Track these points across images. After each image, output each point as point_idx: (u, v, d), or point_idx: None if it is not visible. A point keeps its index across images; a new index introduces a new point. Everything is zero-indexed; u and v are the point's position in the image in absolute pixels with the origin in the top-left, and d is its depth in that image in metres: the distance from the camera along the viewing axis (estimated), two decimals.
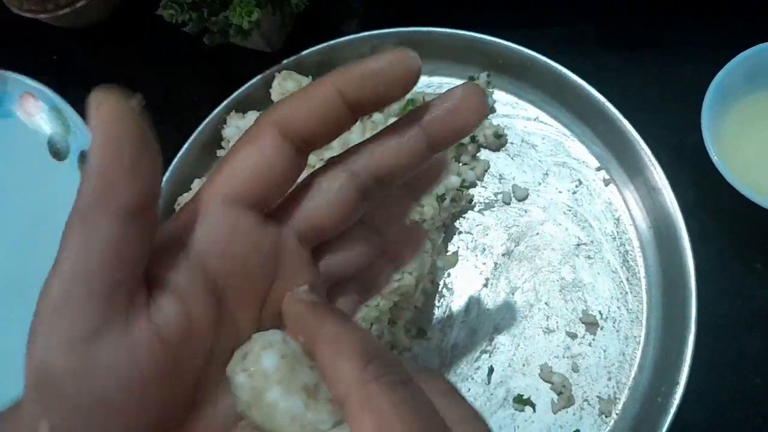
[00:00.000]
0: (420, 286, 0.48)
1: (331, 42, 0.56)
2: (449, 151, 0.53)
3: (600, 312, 0.49)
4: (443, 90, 0.54)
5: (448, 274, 0.52)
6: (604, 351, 0.48)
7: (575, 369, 0.48)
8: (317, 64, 0.56)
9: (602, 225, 0.51)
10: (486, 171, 0.54)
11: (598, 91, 0.51)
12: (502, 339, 0.49)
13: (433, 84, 0.57)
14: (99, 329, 0.20)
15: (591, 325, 0.49)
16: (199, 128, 0.54)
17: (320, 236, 0.26)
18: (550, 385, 0.48)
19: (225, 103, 0.54)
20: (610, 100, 0.51)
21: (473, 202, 0.53)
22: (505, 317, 0.50)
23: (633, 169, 0.51)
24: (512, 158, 0.54)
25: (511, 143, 0.55)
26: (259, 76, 0.55)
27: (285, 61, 0.55)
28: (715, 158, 0.46)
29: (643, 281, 0.49)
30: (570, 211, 0.52)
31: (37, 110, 0.61)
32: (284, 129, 0.23)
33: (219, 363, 0.24)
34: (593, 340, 0.49)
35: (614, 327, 0.49)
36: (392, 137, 0.25)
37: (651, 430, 0.44)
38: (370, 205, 0.26)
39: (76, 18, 0.62)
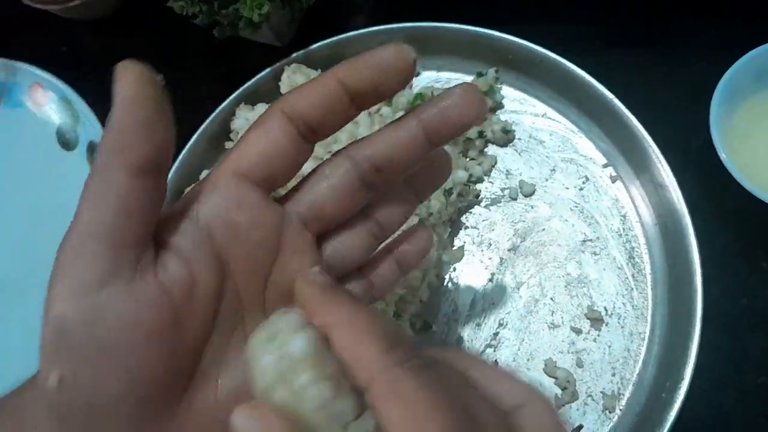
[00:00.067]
0: (425, 280, 0.49)
1: (340, 36, 0.56)
2: (457, 146, 0.53)
3: (605, 308, 0.49)
4: (451, 85, 0.55)
5: (454, 269, 0.52)
6: (609, 347, 0.48)
7: (580, 364, 0.48)
8: (326, 57, 0.56)
9: (608, 221, 0.51)
10: (493, 166, 0.54)
11: (606, 88, 0.52)
12: (506, 333, 0.49)
13: (441, 79, 0.57)
14: (107, 279, 0.21)
15: (596, 320, 0.49)
16: (208, 120, 0.54)
17: (323, 220, 0.27)
18: (554, 380, 0.48)
19: (234, 95, 0.54)
20: (617, 98, 0.51)
21: (480, 197, 0.54)
22: (510, 312, 0.50)
23: (640, 166, 0.51)
24: (519, 154, 0.55)
25: (519, 139, 0.55)
26: (268, 69, 0.55)
27: (294, 55, 0.55)
28: (723, 156, 0.46)
29: (649, 278, 0.50)
30: (576, 207, 0.52)
31: (47, 100, 0.61)
32: (291, 116, 0.24)
33: (221, 336, 0.25)
34: (598, 335, 0.49)
35: (619, 323, 0.49)
36: (392, 129, 0.26)
37: (655, 426, 0.44)
38: (372, 194, 0.28)
39: (87, 9, 0.62)
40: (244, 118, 0.53)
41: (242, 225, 0.25)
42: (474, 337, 0.50)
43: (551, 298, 0.50)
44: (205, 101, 0.55)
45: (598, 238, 0.51)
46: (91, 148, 0.58)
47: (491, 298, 0.51)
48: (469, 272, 0.52)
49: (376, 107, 0.52)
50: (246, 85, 0.55)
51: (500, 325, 0.50)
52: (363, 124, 0.51)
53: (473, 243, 0.52)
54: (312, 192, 0.27)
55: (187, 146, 0.54)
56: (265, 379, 0.22)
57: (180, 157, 0.54)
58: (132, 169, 0.22)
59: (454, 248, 0.52)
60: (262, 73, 0.55)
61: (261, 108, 0.53)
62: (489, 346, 0.49)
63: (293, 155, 0.25)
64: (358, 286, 0.30)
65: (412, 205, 0.31)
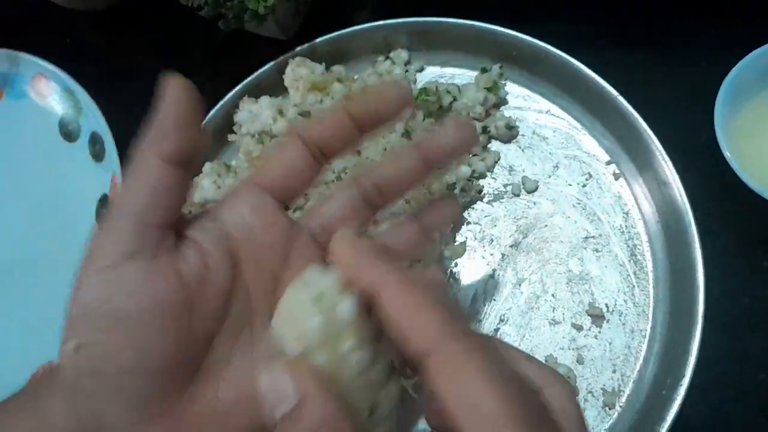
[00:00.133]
0: None
1: (344, 30, 0.56)
2: None
3: (606, 305, 0.49)
4: (455, 80, 0.56)
5: (456, 264, 0.52)
6: (610, 344, 0.48)
7: (580, 361, 0.48)
8: (330, 51, 0.56)
9: (611, 218, 0.51)
10: (496, 162, 0.54)
11: (610, 86, 0.52)
12: (507, 329, 0.49)
13: (445, 75, 0.57)
14: (131, 254, 0.24)
15: (597, 317, 0.49)
16: (212, 112, 0.54)
17: (331, 233, 0.29)
18: None
19: (238, 88, 0.54)
20: (621, 95, 0.51)
21: (482, 193, 0.54)
22: (511, 308, 0.50)
23: (643, 164, 0.51)
24: (523, 150, 0.55)
25: (522, 135, 0.55)
26: (272, 62, 0.55)
27: (298, 48, 0.55)
28: (727, 155, 0.46)
29: (651, 275, 0.50)
30: (579, 204, 0.52)
31: (50, 91, 0.61)
32: (306, 140, 0.29)
33: (229, 335, 0.26)
34: (599, 332, 0.49)
35: (620, 320, 0.49)
36: (392, 155, 0.31)
37: (655, 423, 0.44)
38: (374, 212, 0.31)
39: (91, 0, 0.62)
40: (248, 110, 0.53)
41: (257, 227, 0.27)
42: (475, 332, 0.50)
43: (552, 295, 0.50)
44: (209, 94, 0.55)
45: (600, 235, 0.51)
46: (93, 140, 0.58)
47: (492, 294, 0.51)
48: (470, 268, 0.52)
49: None
50: (250, 78, 0.55)
51: (501, 321, 0.50)
52: None
53: (475, 239, 0.52)
54: (320, 208, 0.31)
55: None
56: (307, 341, 0.21)
57: None
58: (164, 157, 0.25)
59: (456, 244, 0.52)
60: (266, 66, 0.55)
61: (264, 101, 0.53)
62: None
63: (306, 172, 0.29)
64: None
65: (421, 246, 0.33)
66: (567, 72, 0.53)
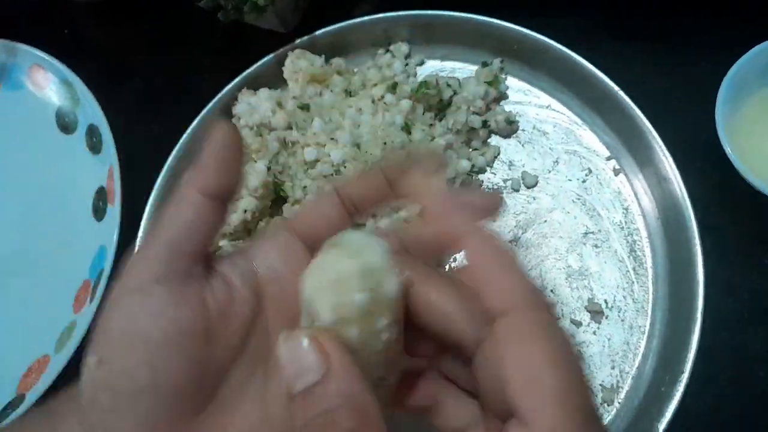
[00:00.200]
0: None
1: (345, 23, 0.55)
2: (460, 136, 0.53)
3: (605, 301, 0.49)
4: (456, 74, 0.55)
5: (455, 259, 0.52)
6: (609, 340, 0.48)
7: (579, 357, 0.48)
8: (330, 44, 0.55)
9: (610, 214, 0.51)
10: (496, 157, 0.54)
11: (611, 81, 0.51)
12: None
13: (445, 68, 0.57)
14: (158, 280, 0.25)
15: (596, 313, 0.49)
16: (210, 104, 0.54)
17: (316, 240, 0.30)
18: None
19: (237, 79, 0.54)
20: (622, 91, 0.51)
21: (482, 188, 0.53)
22: None
23: (643, 159, 0.51)
24: (523, 145, 0.54)
25: (523, 130, 0.55)
26: (271, 55, 0.55)
27: (298, 41, 0.55)
28: (728, 151, 0.46)
29: (650, 271, 0.49)
30: (579, 199, 0.52)
31: (47, 82, 0.60)
32: (342, 195, 0.29)
33: (244, 370, 0.27)
34: (598, 328, 0.49)
35: (619, 316, 0.49)
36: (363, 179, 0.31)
37: (653, 419, 0.44)
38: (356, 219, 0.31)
39: None
40: (247, 103, 0.52)
41: (284, 269, 0.28)
42: None
43: (551, 290, 0.50)
44: (208, 86, 0.55)
45: (599, 230, 0.51)
46: (91, 132, 0.58)
47: None
48: None
49: (379, 94, 0.51)
50: (249, 70, 0.54)
51: None
52: (367, 111, 0.50)
53: None
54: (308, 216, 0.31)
55: (189, 129, 0.53)
56: (345, 313, 0.21)
57: (181, 140, 0.53)
58: (203, 191, 0.26)
59: None
60: (266, 59, 0.55)
61: (263, 93, 0.52)
62: None
63: (338, 224, 0.29)
64: None
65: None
66: (568, 67, 0.53)
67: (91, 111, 0.57)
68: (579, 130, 0.54)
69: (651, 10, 0.57)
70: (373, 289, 0.21)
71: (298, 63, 0.52)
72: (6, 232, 0.58)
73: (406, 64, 0.56)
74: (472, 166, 0.52)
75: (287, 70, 0.53)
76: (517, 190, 0.53)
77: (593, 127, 0.54)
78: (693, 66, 0.55)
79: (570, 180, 0.53)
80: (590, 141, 0.54)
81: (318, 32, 0.55)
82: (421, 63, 0.57)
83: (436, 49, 0.57)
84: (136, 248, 0.27)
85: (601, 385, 0.47)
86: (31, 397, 0.49)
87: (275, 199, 0.51)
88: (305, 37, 0.55)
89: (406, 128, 0.50)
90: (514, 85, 0.56)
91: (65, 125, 0.60)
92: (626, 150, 0.52)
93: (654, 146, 0.49)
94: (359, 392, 0.20)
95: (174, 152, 0.53)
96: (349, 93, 0.53)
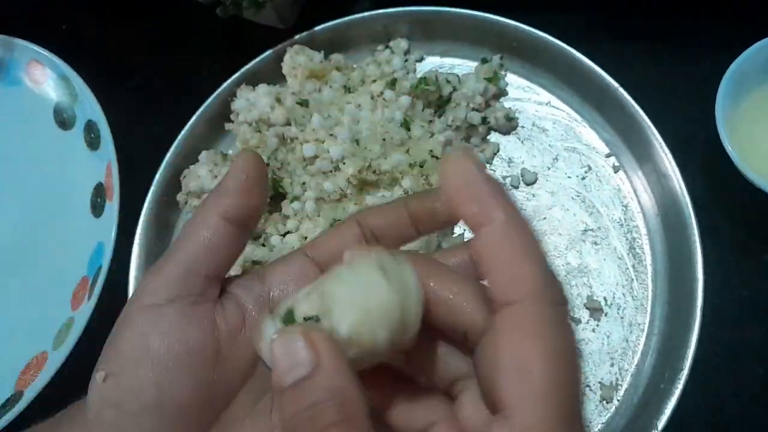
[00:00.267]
0: None
1: (344, 19, 0.55)
2: (460, 133, 0.53)
3: (605, 298, 0.49)
4: (455, 71, 0.55)
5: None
6: (608, 337, 0.48)
7: (578, 354, 0.48)
8: (329, 40, 0.55)
9: (610, 211, 0.51)
10: (495, 154, 0.54)
11: (611, 77, 0.51)
12: None
13: (445, 65, 0.57)
14: (171, 299, 0.25)
15: (595, 310, 0.49)
16: (209, 100, 0.54)
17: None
18: None
19: (235, 75, 0.54)
20: (621, 87, 0.51)
21: None
22: None
23: (643, 156, 0.51)
24: (522, 142, 0.54)
25: (522, 127, 0.54)
26: (270, 51, 0.54)
27: (297, 36, 0.55)
28: (728, 147, 0.46)
29: (649, 268, 0.49)
30: (578, 196, 0.52)
31: (45, 78, 0.60)
32: (362, 224, 0.29)
33: (250, 396, 0.27)
34: (597, 326, 0.48)
35: (619, 313, 0.49)
36: (386, 210, 0.30)
37: (653, 416, 0.44)
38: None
39: None
40: (245, 99, 0.52)
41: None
42: None
43: None
44: (207, 84, 0.55)
45: (599, 227, 0.51)
46: (89, 128, 0.57)
47: None
48: None
49: (378, 90, 0.51)
50: (247, 66, 0.54)
51: None
52: (366, 107, 0.50)
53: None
54: (327, 241, 0.30)
55: (187, 126, 0.53)
56: (359, 339, 0.21)
57: (179, 136, 0.53)
58: (223, 214, 0.26)
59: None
60: (264, 54, 0.54)
61: (262, 89, 0.52)
62: None
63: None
64: None
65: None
66: (567, 63, 0.52)
67: (89, 107, 0.57)
68: (578, 127, 0.54)
69: (651, 9, 0.57)
70: (397, 335, 0.21)
71: (297, 59, 0.52)
72: (3, 229, 0.58)
73: (406, 61, 0.55)
74: None
75: (286, 66, 0.53)
76: (517, 187, 0.53)
77: (593, 124, 0.54)
78: (693, 65, 0.55)
79: (569, 177, 0.53)
80: (590, 138, 0.53)
81: (317, 28, 0.55)
82: (421, 59, 0.57)
83: (436, 45, 0.57)
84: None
85: (600, 382, 0.47)
86: (29, 394, 0.48)
87: (274, 196, 0.51)
88: (304, 33, 0.55)
89: (406, 124, 0.50)
90: (513, 81, 0.56)
91: (63, 121, 0.60)
92: (626, 147, 0.52)
93: (653, 143, 0.49)
94: (347, 388, 0.20)
95: (172, 149, 0.53)
96: (348, 89, 0.53)
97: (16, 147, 0.61)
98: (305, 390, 0.20)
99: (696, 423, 0.46)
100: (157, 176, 0.52)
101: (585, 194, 0.52)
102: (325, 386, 0.20)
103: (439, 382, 0.25)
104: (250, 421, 0.26)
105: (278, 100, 0.51)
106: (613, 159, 0.52)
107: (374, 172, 0.48)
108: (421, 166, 0.49)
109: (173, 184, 0.53)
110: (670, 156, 0.49)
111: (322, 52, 0.53)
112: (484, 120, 0.53)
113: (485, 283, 0.21)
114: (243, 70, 0.54)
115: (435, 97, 0.52)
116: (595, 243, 0.50)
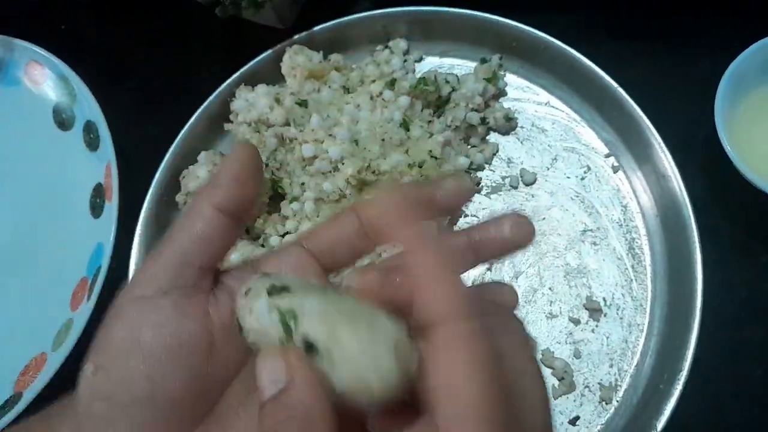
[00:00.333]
0: None
1: (343, 19, 0.55)
2: (459, 133, 0.53)
3: (604, 299, 0.49)
4: (454, 71, 0.55)
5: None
6: (607, 338, 0.48)
7: (577, 355, 0.48)
8: (328, 40, 0.55)
9: (609, 212, 0.51)
10: (495, 154, 0.54)
11: (610, 78, 0.51)
12: None
13: (444, 65, 0.57)
14: (164, 290, 0.25)
15: (594, 311, 0.49)
16: (208, 100, 0.54)
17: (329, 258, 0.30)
18: (551, 370, 0.47)
19: (235, 76, 0.54)
20: (621, 88, 0.51)
21: (480, 185, 0.53)
22: None
23: (642, 156, 0.51)
24: (521, 142, 0.54)
25: (521, 127, 0.54)
26: (269, 51, 0.54)
27: (296, 36, 0.55)
28: (728, 148, 0.45)
29: (649, 269, 0.49)
30: (577, 197, 0.52)
31: (44, 78, 0.60)
32: (360, 214, 0.28)
33: (242, 387, 0.26)
34: (596, 326, 0.48)
35: (618, 314, 0.49)
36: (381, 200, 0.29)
37: (652, 417, 0.44)
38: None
39: None
40: (244, 99, 0.52)
41: None
42: None
43: (550, 288, 0.50)
44: (206, 84, 0.55)
45: (598, 228, 0.51)
46: (88, 128, 0.57)
47: None
48: None
49: (377, 90, 0.51)
50: (247, 66, 0.54)
51: None
52: (365, 107, 0.50)
53: None
54: (322, 232, 0.30)
55: (187, 126, 0.53)
56: (357, 397, 0.21)
57: (179, 137, 0.53)
58: (217, 206, 0.26)
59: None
60: (263, 55, 0.54)
61: (261, 89, 0.52)
62: None
63: (355, 246, 0.29)
64: None
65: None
66: (567, 63, 0.52)
67: (88, 107, 0.57)
68: (578, 127, 0.54)
69: (651, 9, 0.57)
70: (386, 402, 0.21)
71: (296, 59, 0.52)
72: (3, 229, 0.58)
73: (405, 61, 0.55)
74: (471, 163, 0.52)
75: (285, 66, 0.53)
76: (516, 188, 0.53)
77: (592, 124, 0.54)
78: (692, 66, 0.55)
79: (569, 177, 0.53)
80: (589, 138, 0.53)
81: (316, 28, 0.55)
82: (420, 59, 0.57)
83: (435, 45, 0.57)
84: (133, 256, 0.27)
85: (599, 383, 0.47)
86: (28, 395, 0.48)
87: (273, 196, 0.51)
88: (303, 33, 0.55)
89: (405, 125, 0.50)
90: (512, 81, 0.56)
91: (62, 122, 0.60)
92: (625, 147, 0.52)
93: (653, 143, 0.49)
94: (316, 400, 0.21)
95: (171, 149, 0.53)
96: (347, 89, 0.53)
97: (15, 147, 0.61)
98: (279, 403, 0.21)
99: (695, 423, 0.46)
100: (157, 176, 0.52)
101: (584, 194, 0.52)
102: (297, 400, 0.21)
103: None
104: (243, 411, 0.25)
105: (277, 101, 0.51)
106: (612, 159, 0.52)
107: (373, 172, 0.48)
108: (420, 167, 0.49)
109: (172, 185, 0.53)
110: (669, 155, 0.49)
111: (321, 52, 0.54)
112: (483, 120, 0.53)
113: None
114: (242, 70, 0.54)
115: (434, 98, 0.52)
116: (595, 243, 0.50)
